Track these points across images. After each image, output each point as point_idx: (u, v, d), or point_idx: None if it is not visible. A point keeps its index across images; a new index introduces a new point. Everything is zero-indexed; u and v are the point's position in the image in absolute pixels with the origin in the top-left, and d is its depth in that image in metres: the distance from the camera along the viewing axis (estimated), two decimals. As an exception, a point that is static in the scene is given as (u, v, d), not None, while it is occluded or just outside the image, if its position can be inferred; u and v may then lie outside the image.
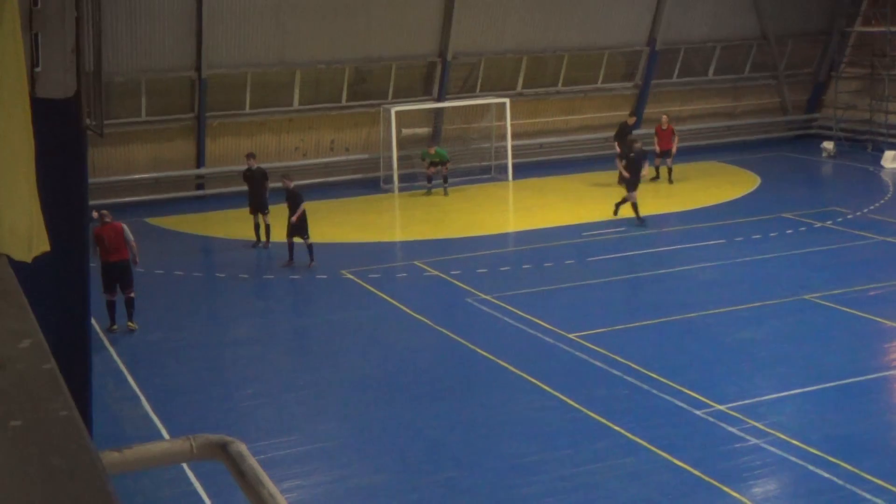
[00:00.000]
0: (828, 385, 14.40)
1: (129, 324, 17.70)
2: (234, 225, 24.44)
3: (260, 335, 17.71)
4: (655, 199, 27.41)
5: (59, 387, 2.18)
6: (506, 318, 17.77)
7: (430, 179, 28.90)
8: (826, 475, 11.67)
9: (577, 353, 15.90)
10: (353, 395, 14.68)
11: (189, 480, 11.72)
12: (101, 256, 17.32)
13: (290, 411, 14.12)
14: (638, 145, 25.28)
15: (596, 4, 31.94)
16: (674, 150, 29.04)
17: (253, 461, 3.80)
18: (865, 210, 24.65)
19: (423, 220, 26.12)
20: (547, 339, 16.61)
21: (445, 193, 28.47)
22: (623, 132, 29.23)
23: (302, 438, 13.18)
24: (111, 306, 17.57)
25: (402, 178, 29.43)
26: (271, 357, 16.54)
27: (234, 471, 3.90)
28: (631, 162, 24.62)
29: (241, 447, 3.95)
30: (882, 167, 31.25)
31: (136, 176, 27.76)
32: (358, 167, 30.54)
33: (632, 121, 29.82)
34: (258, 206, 22.80)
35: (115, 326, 17.58)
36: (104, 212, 17.95)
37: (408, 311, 18.32)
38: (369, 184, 29.72)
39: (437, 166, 28.66)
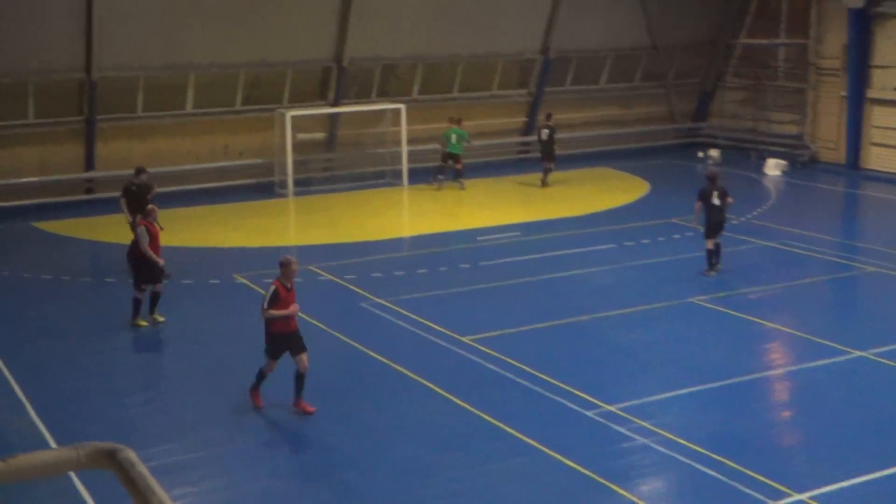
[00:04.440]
0: (712, 385, 14.80)
1: (159, 316, 17.96)
2: (125, 230, 23.95)
3: (150, 341, 17.45)
4: (548, 205, 27.79)
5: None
6: (400, 322, 17.82)
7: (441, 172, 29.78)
8: (710, 472, 11.99)
9: (471, 357, 16.03)
10: (245, 400, 14.53)
11: (77, 490, 11.49)
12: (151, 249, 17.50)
13: (181, 417, 13.94)
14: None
15: (491, 13, 32.25)
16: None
17: (143, 468, 3.78)
18: (749, 216, 25.37)
19: (318, 224, 26.03)
20: (441, 342, 16.71)
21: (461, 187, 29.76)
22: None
23: (193, 444, 13.03)
24: (140, 304, 17.72)
25: (297, 183, 29.28)
26: (161, 363, 16.31)
27: (123, 479, 3.86)
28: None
29: (131, 455, 3.91)
30: (765, 174, 32.23)
31: (24, 179, 27.06)
32: (252, 172, 30.28)
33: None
34: None
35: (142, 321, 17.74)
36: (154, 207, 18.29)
37: (302, 315, 18.21)
38: (264, 189, 29.50)
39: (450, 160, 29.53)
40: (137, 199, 21.19)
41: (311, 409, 13.85)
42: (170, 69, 28.46)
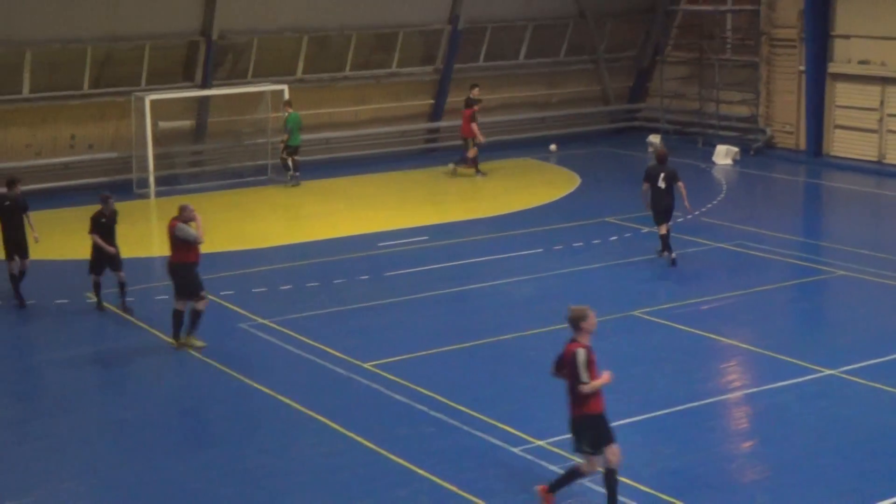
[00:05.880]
0: (659, 413, 14.91)
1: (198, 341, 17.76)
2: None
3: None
4: (461, 204, 27.84)
5: None
6: (289, 347, 17.66)
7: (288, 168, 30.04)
8: (660, 516, 12.08)
9: (373, 386, 15.95)
10: (102, 445, 14.28)
11: None
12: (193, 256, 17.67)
13: (24, 468, 13.61)
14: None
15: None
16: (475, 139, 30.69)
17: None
18: (697, 213, 25.72)
19: (187, 231, 25.67)
20: (338, 369, 16.61)
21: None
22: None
23: (41, 499, 12.72)
24: (182, 316, 17.69)
25: (160, 181, 28.91)
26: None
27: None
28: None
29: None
30: (714, 164, 32.74)
31: None
32: (105, 168, 29.85)
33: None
34: (18, 246, 20.53)
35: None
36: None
37: (169, 340, 17.97)
38: (120, 188, 28.95)
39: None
40: (12, 214, 20.41)
41: None
42: (1, 46, 27.87)
